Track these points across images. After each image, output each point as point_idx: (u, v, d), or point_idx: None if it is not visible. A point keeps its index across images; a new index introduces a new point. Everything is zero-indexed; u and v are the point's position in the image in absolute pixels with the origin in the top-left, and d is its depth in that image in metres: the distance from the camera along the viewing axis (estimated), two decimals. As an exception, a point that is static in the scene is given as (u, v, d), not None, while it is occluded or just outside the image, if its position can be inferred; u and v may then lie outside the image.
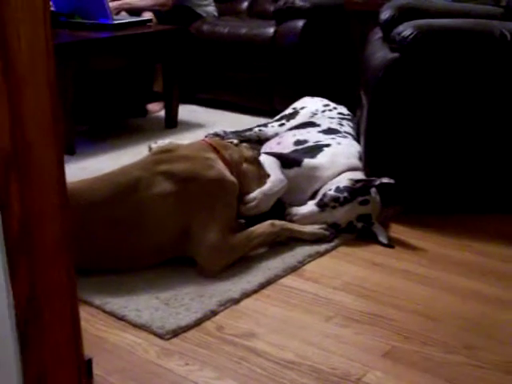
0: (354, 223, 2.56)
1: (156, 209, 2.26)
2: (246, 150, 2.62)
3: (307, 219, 2.55)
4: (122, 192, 2.26)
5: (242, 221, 2.52)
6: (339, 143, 2.91)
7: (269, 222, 2.45)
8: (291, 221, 2.54)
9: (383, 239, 2.53)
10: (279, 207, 2.60)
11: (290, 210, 2.58)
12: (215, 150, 2.48)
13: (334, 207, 2.54)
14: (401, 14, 2.88)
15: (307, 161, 2.75)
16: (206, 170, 2.34)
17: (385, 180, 2.53)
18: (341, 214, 2.54)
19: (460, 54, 2.62)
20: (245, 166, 2.54)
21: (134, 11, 4.53)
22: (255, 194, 2.51)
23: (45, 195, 1.13)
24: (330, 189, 2.58)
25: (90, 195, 2.25)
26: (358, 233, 2.58)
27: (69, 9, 4.07)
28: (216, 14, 4.92)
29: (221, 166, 2.40)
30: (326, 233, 2.52)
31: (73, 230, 1.22)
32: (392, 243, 2.52)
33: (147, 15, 4.46)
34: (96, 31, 3.89)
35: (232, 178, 2.39)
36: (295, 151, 2.91)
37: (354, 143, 2.98)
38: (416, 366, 1.81)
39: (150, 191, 2.27)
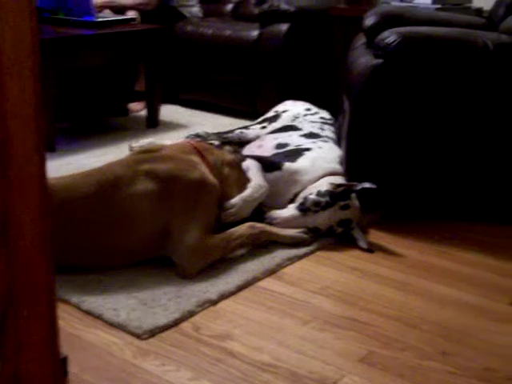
0: (335, 228, 2.56)
1: (136, 208, 2.25)
2: (228, 154, 2.62)
3: (289, 223, 2.55)
4: (103, 190, 2.25)
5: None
6: (320, 147, 2.91)
7: (248, 224, 2.45)
8: (271, 224, 2.53)
9: (363, 244, 2.53)
10: (257, 210, 2.60)
11: (270, 214, 2.58)
12: (199, 152, 2.47)
13: (315, 211, 2.54)
14: (385, 20, 2.89)
15: (288, 164, 2.75)
16: (188, 170, 2.33)
17: (366, 185, 2.53)
18: (322, 219, 2.54)
19: (443, 61, 2.63)
20: (226, 170, 2.54)
21: (118, 9, 4.51)
22: (235, 200, 2.50)
23: (25, 191, 1.12)
24: (311, 193, 2.59)
25: (70, 192, 2.23)
26: (337, 237, 2.58)
27: (52, 5, 4.05)
28: (200, 14, 4.91)
29: (203, 169, 2.40)
30: (305, 236, 2.53)
31: (52, 227, 1.21)
32: (371, 248, 2.52)
33: (131, 14, 4.44)
34: (79, 28, 3.88)
35: (214, 180, 2.39)
36: (276, 154, 2.91)
37: (335, 148, 2.99)
38: (392, 371, 1.81)
39: (130, 190, 2.26)
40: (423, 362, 1.86)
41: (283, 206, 2.64)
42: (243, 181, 2.58)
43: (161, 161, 2.35)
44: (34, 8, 1.02)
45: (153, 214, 2.26)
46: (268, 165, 2.74)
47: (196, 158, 2.43)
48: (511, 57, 2.61)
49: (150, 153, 2.41)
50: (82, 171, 2.39)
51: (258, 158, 2.77)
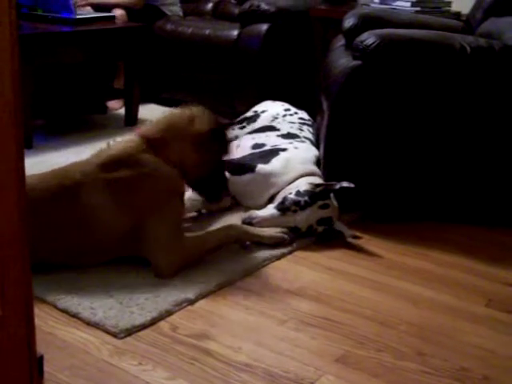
0: (315, 227, 2.57)
1: (98, 214, 2.21)
2: (199, 123, 2.52)
3: (268, 223, 2.55)
4: (64, 196, 2.20)
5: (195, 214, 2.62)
6: (296, 148, 2.92)
7: (227, 224, 2.45)
8: (251, 224, 2.53)
9: (349, 234, 2.60)
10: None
11: (249, 214, 2.58)
12: (154, 151, 2.33)
13: (294, 211, 2.55)
14: (364, 22, 2.91)
15: (261, 166, 2.76)
16: (151, 172, 2.27)
17: (345, 184, 2.54)
18: (302, 218, 2.55)
19: (421, 64, 2.65)
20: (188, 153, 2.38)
21: (105, 8, 4.46)
22: None
23: (3, 187, 1.11)
24: (290, 193, 2.60)
25: (37, 190, 2.19)
26: (318, 237, 2.59)
27: (31, 1, 4.01)
28: (181, 13, 4.90)
29: (165, 168, 2.31)
30: (285, 236, 2.53)
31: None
32: (356, 235, 2.62)
33: (118, 12, 4.40)
34: (58, 25, 3.85)
35: (177, 177, 2.33)
36: (251, 155, 2.92)
37: (312, 148, 3.00)
38: (368, 372, 1.82)
39: (91, 199, 2.20)
40: (399, 362, 1.87)
41: (261, 207, 2.65)
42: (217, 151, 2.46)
43: (121, 166, 2.27)
44: (14, 3, 1.02)
45: (116, 219, 2.22)
46: (240, 168, 2.76)
47: (155, 159, 2.30)
48: (488, 60, 2.64)
49: (109, 156, 2.32)
50: (49, 170, 2.33)
51: (229, 162, 2.74)
